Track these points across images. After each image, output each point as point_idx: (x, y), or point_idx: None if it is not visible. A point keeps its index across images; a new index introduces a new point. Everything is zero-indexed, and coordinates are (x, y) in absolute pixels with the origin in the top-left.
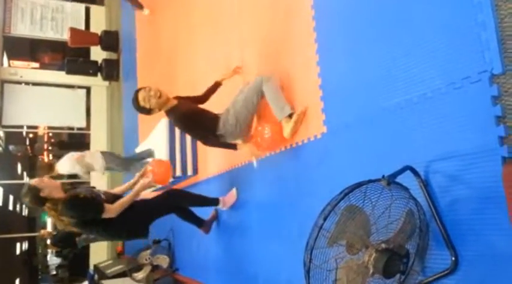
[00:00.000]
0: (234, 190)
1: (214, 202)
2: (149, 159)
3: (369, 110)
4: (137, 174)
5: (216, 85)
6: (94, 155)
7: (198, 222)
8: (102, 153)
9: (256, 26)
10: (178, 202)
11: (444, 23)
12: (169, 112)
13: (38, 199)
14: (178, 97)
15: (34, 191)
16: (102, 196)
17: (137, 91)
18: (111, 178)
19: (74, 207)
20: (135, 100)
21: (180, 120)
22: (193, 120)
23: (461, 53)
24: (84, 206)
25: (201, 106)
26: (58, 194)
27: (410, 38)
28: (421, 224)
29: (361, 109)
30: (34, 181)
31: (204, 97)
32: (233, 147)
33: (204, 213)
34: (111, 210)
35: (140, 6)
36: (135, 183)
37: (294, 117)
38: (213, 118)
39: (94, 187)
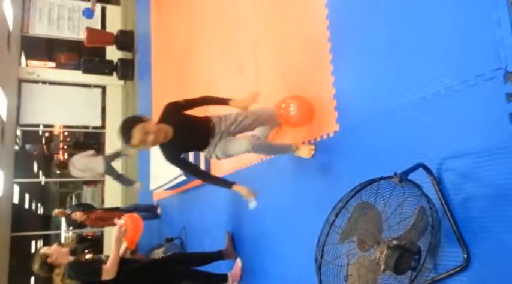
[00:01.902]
0: (238, 262)
1: (222, 279)
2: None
3: (382, 108)
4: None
5: (225, 103)
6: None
7: (218, 257)
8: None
9: (270, 25)
10: (182, 269)
11: (458, 21)
12: (161, 145)
13: (45, 265)
14: (167, 115)
15: (42, 258)
16: (103, 258)
17: (133, 124)
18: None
19: (73, 269)
20: (127, 134)
21: (167, 158)
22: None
23: (475, 51)
24: (83, 268)
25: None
26: (65, 260)
27: (423, 36)
28: (433, 222)
29: (374, 107)
30: (43, 249)
31: (202, 103)
32: (229, 185)
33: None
34: (106, 271)
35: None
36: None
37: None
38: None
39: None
